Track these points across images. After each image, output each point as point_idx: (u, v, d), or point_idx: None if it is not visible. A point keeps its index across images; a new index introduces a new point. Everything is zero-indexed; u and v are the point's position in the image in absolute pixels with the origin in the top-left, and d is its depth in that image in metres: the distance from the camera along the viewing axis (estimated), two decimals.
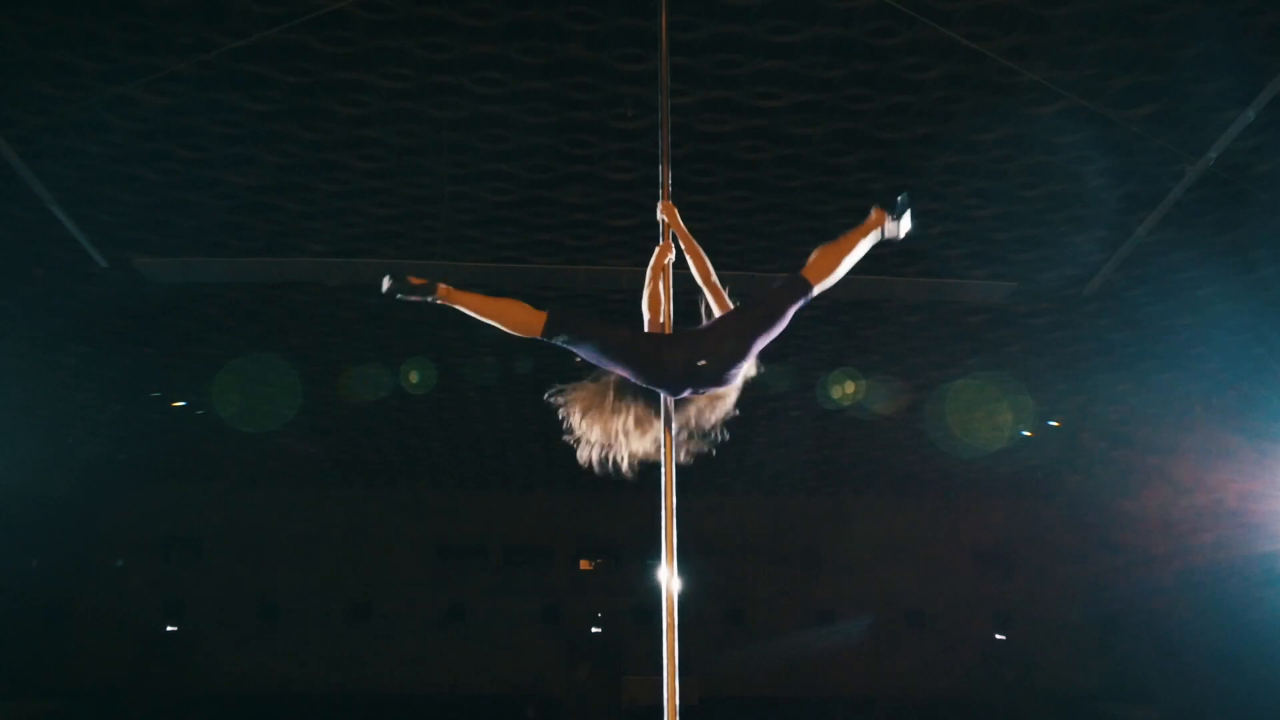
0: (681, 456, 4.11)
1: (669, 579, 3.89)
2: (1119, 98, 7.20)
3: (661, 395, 3.98)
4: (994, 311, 11.10)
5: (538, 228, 9.37)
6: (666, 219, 4.42)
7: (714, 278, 4.36)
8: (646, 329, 4.26)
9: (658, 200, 4.50)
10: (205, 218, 9.10)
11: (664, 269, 4.35)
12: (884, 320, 11.52)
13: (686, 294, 4.45)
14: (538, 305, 3.92)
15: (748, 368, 4.00)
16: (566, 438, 4.16)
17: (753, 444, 16.47)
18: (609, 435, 4.01)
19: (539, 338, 3.82)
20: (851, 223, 4.30)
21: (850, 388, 13.72)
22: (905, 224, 4.24)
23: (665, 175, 4.57)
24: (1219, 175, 7.85)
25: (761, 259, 9.68)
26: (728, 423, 4.20)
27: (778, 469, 18.73)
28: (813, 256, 4.07)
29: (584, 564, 22.14)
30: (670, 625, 3.79)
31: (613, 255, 9.81)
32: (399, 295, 3.71)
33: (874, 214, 4.21)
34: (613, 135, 7.91)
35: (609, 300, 10.86)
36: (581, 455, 4.11)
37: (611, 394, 4.01)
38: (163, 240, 9.47)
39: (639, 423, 4.00)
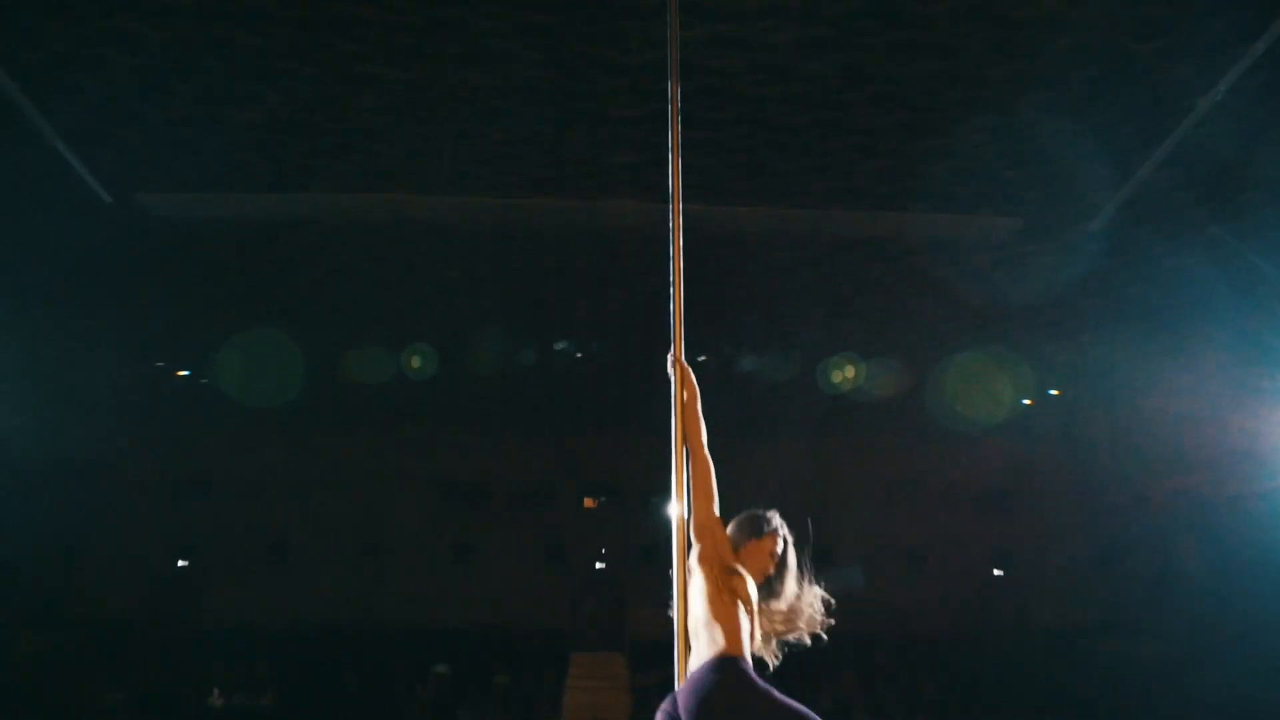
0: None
1: (678, 515, 3.95)
2: (1132, 30, 7.11)
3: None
4: (1000, 249, 11.08)
5: (541, 164, 9.32)
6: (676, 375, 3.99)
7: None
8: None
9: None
10: (209, 154, 9.07)
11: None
12: (888, 259, 11.50)
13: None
14: None
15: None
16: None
17: (752, 386, 16.54)
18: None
19: None
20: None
21: (850, 372, 13.78)
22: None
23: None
24: (1229, 109, 7.78)
25: (771, 196, 9.66)
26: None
27: (776, 412, 18.81)
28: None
29: (588, 502, 22.40)
30: (680, 560, 3.86)
31: (617, 193, 9.77)
32: None
33: None
34: (618, 70, 7.82)
35: (613, 241, 10.85)
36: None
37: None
38: (167, 177, 9.45)
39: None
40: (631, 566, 20.69)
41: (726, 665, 3.21)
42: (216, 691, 17.08)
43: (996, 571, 21.94)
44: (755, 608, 3.62)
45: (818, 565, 4.12)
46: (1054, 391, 15.13)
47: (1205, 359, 13.71)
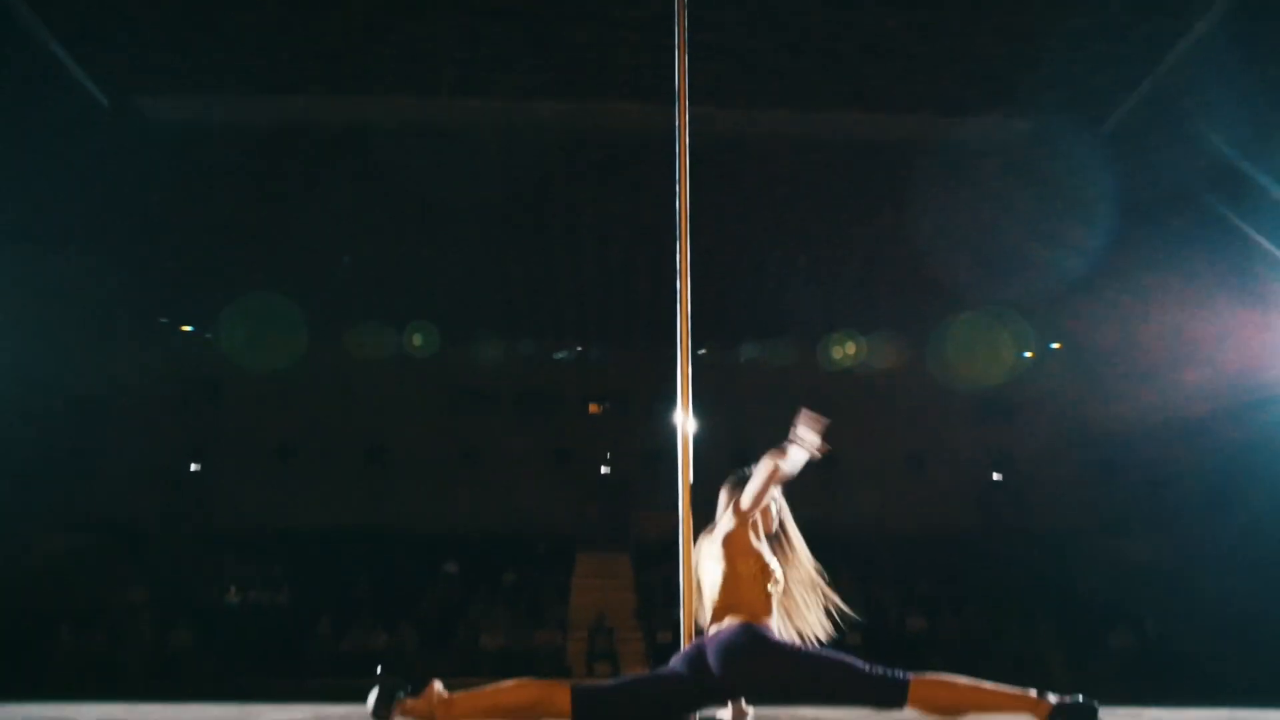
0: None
1: (684, 421, 4.01)
2: None
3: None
4: (1008, 153, 10.95)
5: (547, 67, 9.17)
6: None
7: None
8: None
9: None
10: (207, 57, 8.93)
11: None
12: (895, 164, 11.37)
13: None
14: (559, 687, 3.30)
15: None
16: None
17: (760, 286, 16.54)
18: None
19: None
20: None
21: (851, 349, 13.79)
22: None
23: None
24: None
25: (779, 100, 9.53)
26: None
27: (783, 310, 18.81)
28: (927, 678, 3.19)
29: (593, 408, 22.64)
30: (685, 463, 3.93)
31: (623, 96, 9.63)
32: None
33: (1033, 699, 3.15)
34: None
35: (613, 145, 10.73)
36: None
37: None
38: (164, 80, 9.32)
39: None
40: (637, 471, 21.04)
41: (751, 625, 3.37)
42: (233, 589, 17.56)
43: (996, 476, 22.29)
44: (781, 560, 3.71)
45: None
46: (1055, 345, 15.12)
47: (1207, 269, 13.66)
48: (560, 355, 19.30)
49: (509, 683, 3.20)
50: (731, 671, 3.18)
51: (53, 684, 11.68)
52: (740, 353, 21.33)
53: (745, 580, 3.49)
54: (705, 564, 3.69)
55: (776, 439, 3.67)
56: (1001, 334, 17.29)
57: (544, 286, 17.67)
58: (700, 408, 4.00)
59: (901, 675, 3.14)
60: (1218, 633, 14.70)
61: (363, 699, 2.94)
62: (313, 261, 15.41)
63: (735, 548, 3.56)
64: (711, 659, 3.22)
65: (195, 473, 21.48)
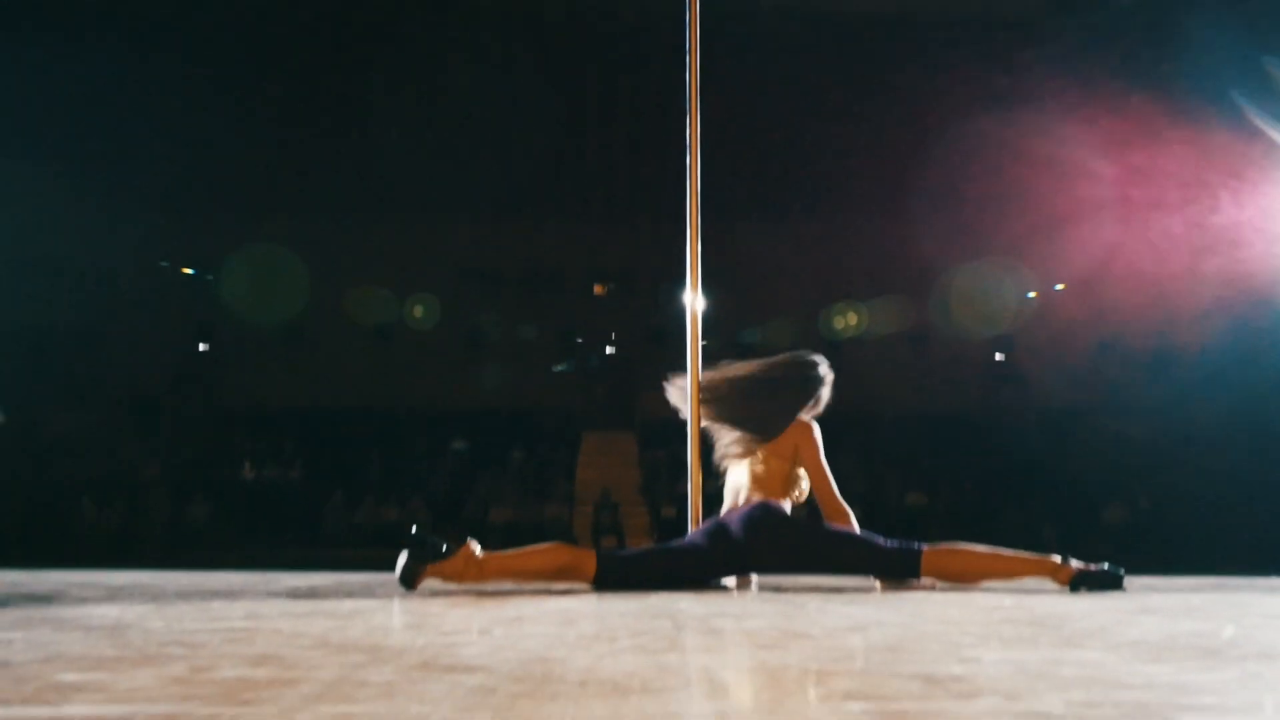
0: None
1: (693, 300, 4.02)
2: None
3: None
4: (1024, 28, 10.64)
5: None
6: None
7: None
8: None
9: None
10: None
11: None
12: (907, 39, 11.07)
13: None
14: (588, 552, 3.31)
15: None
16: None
17: (769, 163, 16.33)
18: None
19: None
20: None
21: (853, 319, 13.61)
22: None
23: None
24: None
25: None
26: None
27: (794, 190, 18.61)
28: (941, 548, 3.23)
29: (598, 289, 22.65)
30: (694, 344, 3.96)
31: None
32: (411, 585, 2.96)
33: (1054, 564, 3.16)
34: None
35: (626, 21, 10.41)
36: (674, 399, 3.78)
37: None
38: None
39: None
40: (642, 351, 21.17)
41: (771, 502, 3.42)
42: (248, 465, 17.94)
43: (999, 356, 22.44)
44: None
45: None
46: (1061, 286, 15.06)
47: (1220, 149, 13.43)
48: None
49: (542, 546, 3.25)
50: (755, 540, 3.26)
51: (77, 555, 12.07)
52: (748, 230, 21.19)
53: (777, 479, 3.51)
54: (733, 462, 3.66)
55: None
56: None
57: (551, 164, 17.44)
58: (708, 287, 4.00)
59: (916, 545, 3.19)
60: (1208, 507, 15.04)
61: (381, 569, 3.03)
62: (326, 145, 15.18)
63: (778, 449, 3.53)
64: (735, 529, 3.30)
65: (205, 351, 21.69)
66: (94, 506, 15.69)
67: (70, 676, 1.00)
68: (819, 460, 3.50)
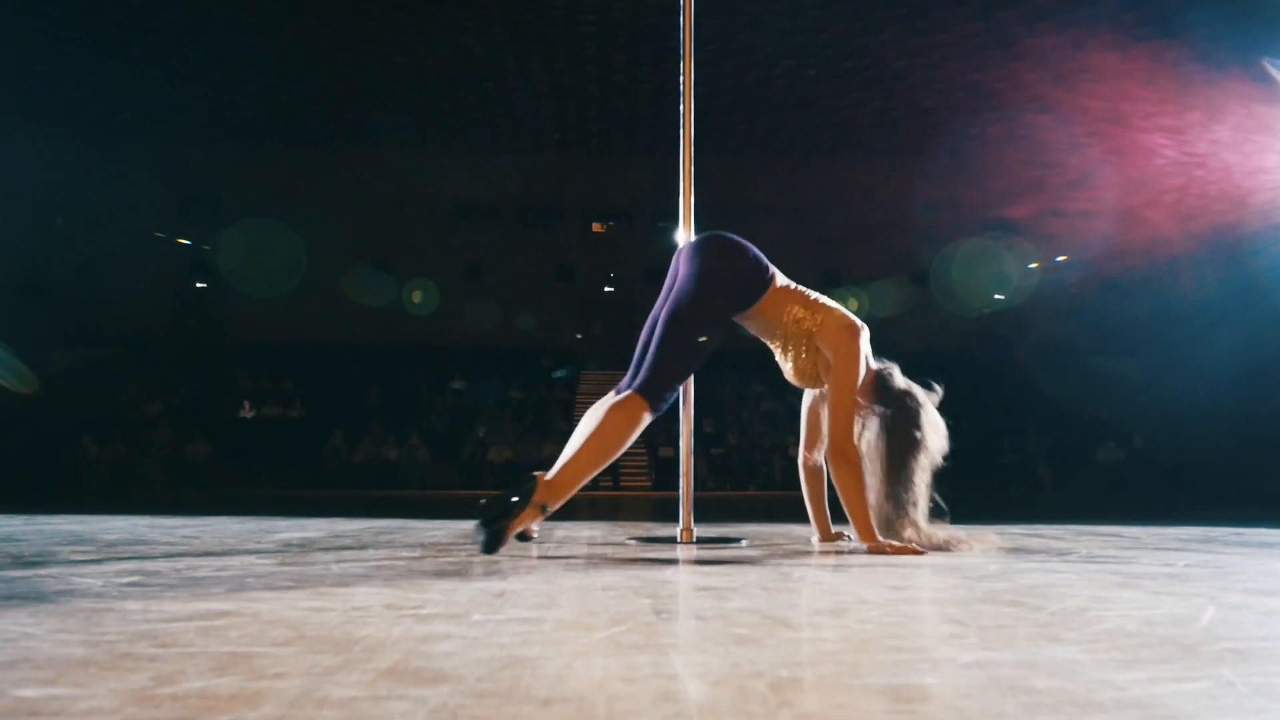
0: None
1: (686, 237, 3.97)
2: None
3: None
4: None
5: None
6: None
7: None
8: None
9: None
10: None
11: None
12: None
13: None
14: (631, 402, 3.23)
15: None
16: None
17: (767, 103, 16.10)
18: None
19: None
20: None
21: (854, 305, 13.53)
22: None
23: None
24: None
25: None
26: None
27: (794, 131, 18.41)
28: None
29: (596, 226, 22.51)
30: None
31: None
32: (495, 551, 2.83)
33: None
34: None
35: None
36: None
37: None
38: None
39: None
40: (639, 288, 21.11)
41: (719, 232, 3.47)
42: (247, 404, 18.03)
43: (997, 295, 22.39)
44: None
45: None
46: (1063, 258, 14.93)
47: (1221, 95, 13.24)
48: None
49: (590, 427, 3.13)
50: (696, 263, 3.29)
51: (80, 493, 12.18)
52: (745, 165, 20.97)
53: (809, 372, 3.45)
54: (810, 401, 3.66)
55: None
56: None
57: (547, 97, 17.18)
58: (703, 224, 3.95)
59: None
60: (1201, 448, 15.14)
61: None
62: (325, 76, 14.94)
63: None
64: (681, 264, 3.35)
65: (203, 289, 21.64)
66: (94, 444, 15.80)
67: (29, 692, 1.00)
68: (848, 375, 3.31)
